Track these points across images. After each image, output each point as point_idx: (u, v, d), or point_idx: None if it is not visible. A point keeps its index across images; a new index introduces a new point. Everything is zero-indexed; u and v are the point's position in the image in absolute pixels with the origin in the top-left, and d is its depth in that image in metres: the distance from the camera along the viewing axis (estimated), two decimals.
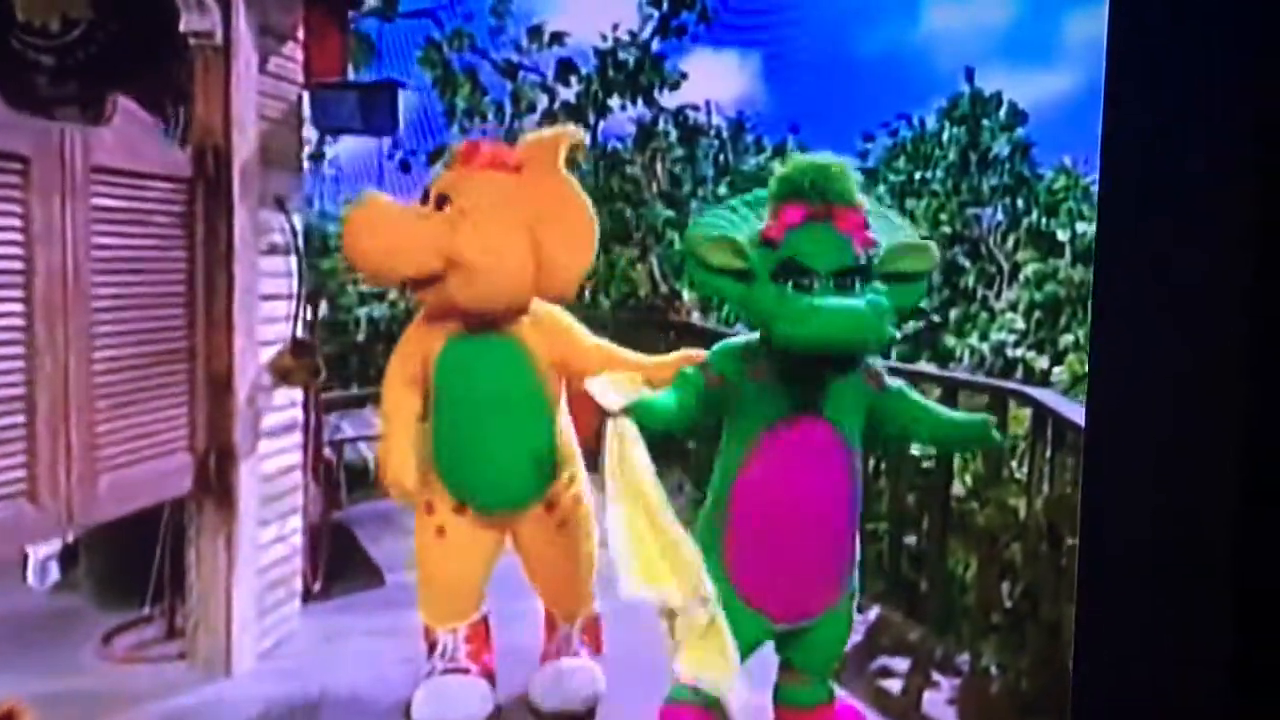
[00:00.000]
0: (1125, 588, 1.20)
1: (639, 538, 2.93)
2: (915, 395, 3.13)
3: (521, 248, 3.11)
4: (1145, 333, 1.17)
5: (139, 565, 3.95)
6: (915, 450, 4.99)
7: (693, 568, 2.86)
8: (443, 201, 3.16)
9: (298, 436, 4.00)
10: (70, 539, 4.49)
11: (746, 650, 3.00)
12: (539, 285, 3.19)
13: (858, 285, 2.81)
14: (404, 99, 3.90)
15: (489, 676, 3.41)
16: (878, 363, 3.07)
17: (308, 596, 4.22)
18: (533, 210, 3.13)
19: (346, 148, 9.00)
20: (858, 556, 3.08)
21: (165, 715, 3.37)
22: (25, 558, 4.57)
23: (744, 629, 2.94)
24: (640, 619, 3.67)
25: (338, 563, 4.44)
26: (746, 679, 2.95)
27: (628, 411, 2.86)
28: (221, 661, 3.64)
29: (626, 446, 2.88)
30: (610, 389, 2.89)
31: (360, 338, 8.63)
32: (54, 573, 4.55)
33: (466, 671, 3.36)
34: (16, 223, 2.71)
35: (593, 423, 3.17)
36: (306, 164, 4.09)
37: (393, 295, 8.27)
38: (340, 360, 8.11)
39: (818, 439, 2.93)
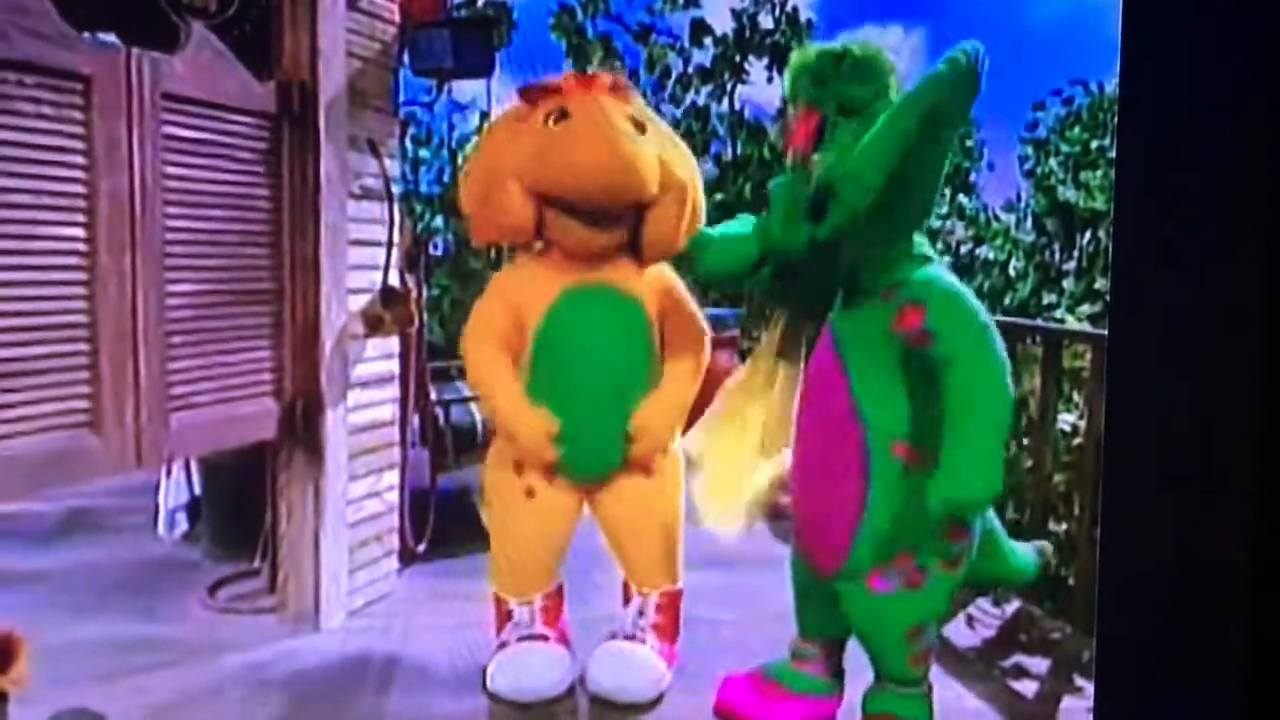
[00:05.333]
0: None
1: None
2: (965, 378, 2.39)
3: None
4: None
5: (254, 519, 3.93)
6: (1063, 425, 4.53)
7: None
8: (562, 117, 2.91)
9: (393, 390, 3.90)
10: (196, 491, 4.57)
11: (801, 601, 2.90)
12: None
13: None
14: None
15: (566, 644, 3.20)
16: (925, 296, 2.49)
17: (410, 558, 4.14)
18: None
19: None
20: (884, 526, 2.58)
21: (247, 666, 3.32)
22: (157, 509, 4.67)
23: (797, 573, 2.89)
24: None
25: (448, 525, 4.33)
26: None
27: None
28: (310, 616, 3.58)
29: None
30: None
31: None
32: (183, 524, 4.62)
33: (545, 639, 3.15)
34: (78, 144, 2.65)
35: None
36: None
37: None
38: None
39: (824, 360, 2.66)
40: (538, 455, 3.03)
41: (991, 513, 2.76)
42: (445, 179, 8.47)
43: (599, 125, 2.84)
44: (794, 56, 2.61)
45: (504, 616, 3.20)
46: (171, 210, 2.95)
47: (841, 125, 2.49)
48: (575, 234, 2.97)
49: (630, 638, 3.17)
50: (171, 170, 2.94)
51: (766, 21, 8.46)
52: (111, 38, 3.39)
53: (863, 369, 2.56)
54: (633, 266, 3.10)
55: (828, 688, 2.90)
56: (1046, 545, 3.19)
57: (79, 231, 2.68)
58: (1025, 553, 2.99)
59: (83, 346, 2.72)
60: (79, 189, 2.67)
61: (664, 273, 3.17)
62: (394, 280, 3.77)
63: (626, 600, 3.27)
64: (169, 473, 4.54)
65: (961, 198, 9.12)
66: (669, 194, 2.95)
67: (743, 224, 2.83)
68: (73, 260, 2.68)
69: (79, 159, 2.66)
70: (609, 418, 3.05)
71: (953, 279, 2.62)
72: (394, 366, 3.89)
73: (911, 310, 2.48)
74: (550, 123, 2.91)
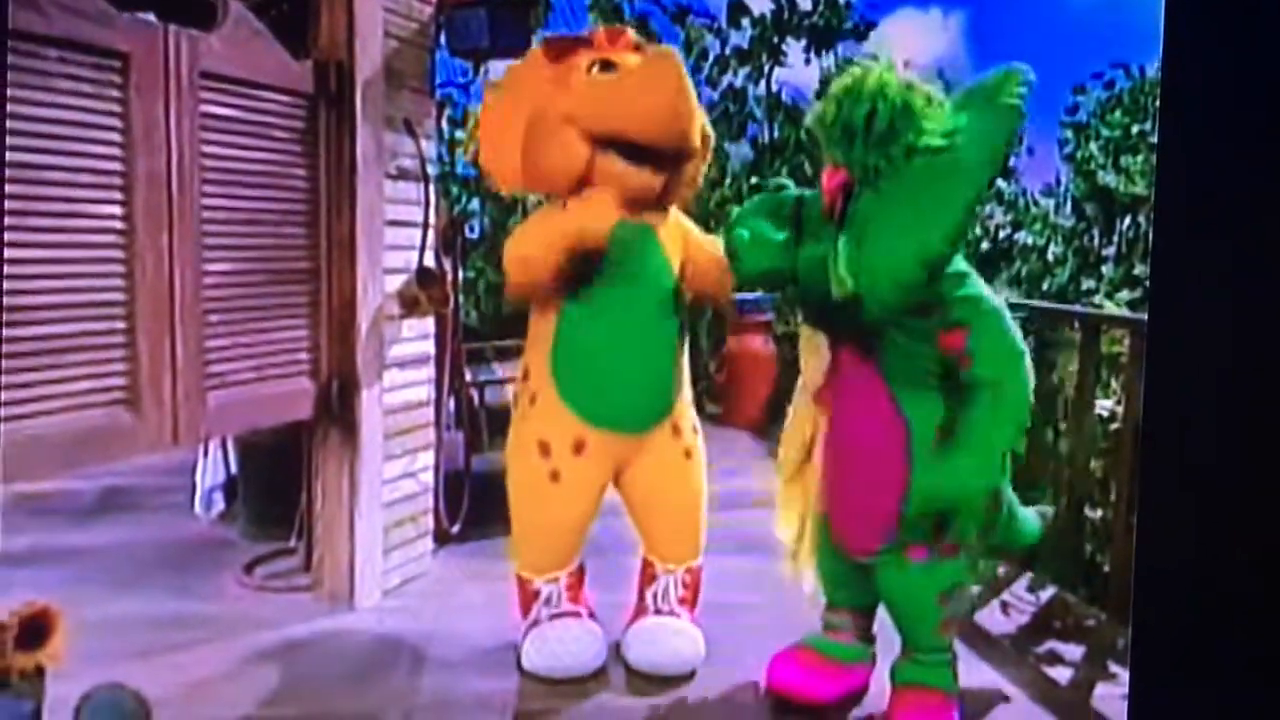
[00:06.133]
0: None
1: None
2: (992, 403, 2.61)
3: None
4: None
5: (290, 498, 3.96)
6: (1101, 410, 4.50)
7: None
8: (605, 68, 2.99)
9: (428, 371, 3.91)
10: (233, 470, 4.61)
11: (830, 578, 3.01)
12: None
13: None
14: None
15: (594, 619, 3.22)
16: (970, 319, 2.64)
17: (445, 538, 4.15)
18: None
19: None
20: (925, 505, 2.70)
21: (282, 644, 3.34)
22: (194, 488, 4.71)
23: (825, 553, 2.99)
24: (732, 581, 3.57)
25: (482, 506, 4.33)
26: None
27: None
28: (345, 595, 3.60)
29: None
30: None
31: None
32: (219, 503, 4.66)
33: (578, 615, 3.17)
34: (116, 122, 2.66)
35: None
36: None
37: None
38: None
39: (858, 373, 2.74)
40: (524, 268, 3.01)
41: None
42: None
43: (669, 69, 2.90)
44: (820, 105, 2.66)
45: (530, 596, 3.20)
46: (208, 189, 2.95)
47: (866, 194, 2.58)
48: (631, 176, 2.96)
49: (660, 613, 3.22)
50: (209, 149, 2.95)
51: (805, 3, 8.38)
52: (149, 16, 3.41)
53: (903, 374, 2.68)
54: (658, 213, 3.12)
55: (862, 654, 3.02)
56: (1047, 509, 3.28)
57: (116, 209, 2.70)
58: (1030, 518, 3.11)
59: (120, 325, 2.74)
60: (117, 167, 2.68)
61: (679, 217, 3.21)
62: (429, 261, 3.77)
63: (646, 579, 3.29)
64: (205, 451, 4.58)
65: (1000, 182, 9.04)
66: (705, 142, 3.12)
67: (774, 206, 2.84)
68: (110, 238, 2.70)
69: (116, 137, 2.67)
70: (650, 361, 3.07)
71: (993, 296, 2.75)
72: (429, 347, 3.90)
73: (956, 332, 2.63)
74: (595, 72, 2.98)
